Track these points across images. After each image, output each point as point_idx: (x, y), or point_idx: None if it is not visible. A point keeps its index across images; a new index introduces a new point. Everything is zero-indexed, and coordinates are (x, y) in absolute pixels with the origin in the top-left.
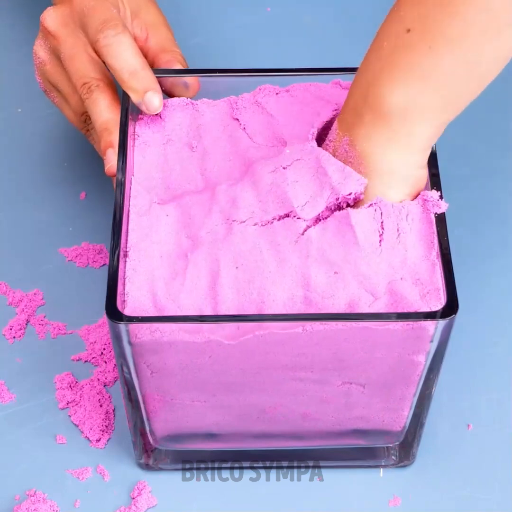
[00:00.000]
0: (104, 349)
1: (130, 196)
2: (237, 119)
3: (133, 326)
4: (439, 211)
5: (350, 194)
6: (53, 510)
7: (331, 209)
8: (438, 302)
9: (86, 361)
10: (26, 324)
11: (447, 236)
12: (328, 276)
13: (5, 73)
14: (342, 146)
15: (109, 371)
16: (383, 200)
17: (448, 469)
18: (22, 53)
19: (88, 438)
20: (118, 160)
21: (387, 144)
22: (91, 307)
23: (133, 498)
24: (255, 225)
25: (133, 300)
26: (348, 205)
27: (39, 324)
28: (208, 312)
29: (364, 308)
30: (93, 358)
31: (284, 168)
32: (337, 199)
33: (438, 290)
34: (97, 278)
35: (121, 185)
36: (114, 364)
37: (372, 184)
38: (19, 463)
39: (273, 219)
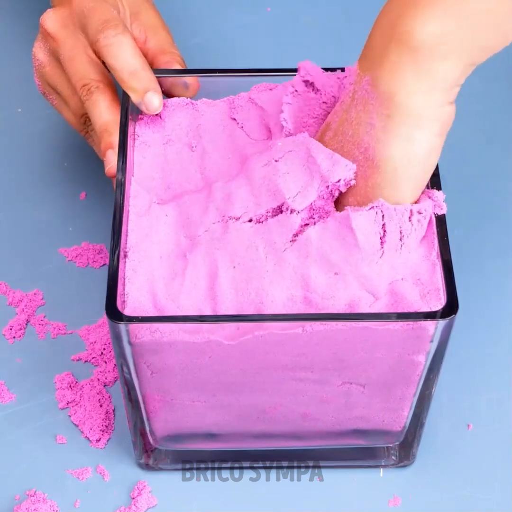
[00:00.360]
0: (104, 349)
1: (130, 196)
2: (235, 119)
3: (133, 326)
4: (440, 212)
5: (338, 181)
6: (53, 510)
7: (323, 197)
8: (438, 302)
9: (86, 361)
10: (26, 324)
11: (447, 236)
12: (328, 277)
13: (5, 73)
14: (362, 87)
15: (109, 371)
16: (384, 203)
17: (448, 469)
18: (22, 53)
19: (88, 438)
20: (118, 160)
21: (412, 81)
22: (91, 307)
23: (133, 498)
24: (250, 221)
25: (133, 300)
26: (340, 193)
27: (39, 324)
28: (207, 312)
29: (365, 308)
30: (93, 358)
31: (276, 160)
32: (327, 187)
33: (438, 290)
34: (97, 278)
35: (121, 185)
36: (114, 364)
37: (397, 126)
38: (19, 463)
39: (267, 212)
